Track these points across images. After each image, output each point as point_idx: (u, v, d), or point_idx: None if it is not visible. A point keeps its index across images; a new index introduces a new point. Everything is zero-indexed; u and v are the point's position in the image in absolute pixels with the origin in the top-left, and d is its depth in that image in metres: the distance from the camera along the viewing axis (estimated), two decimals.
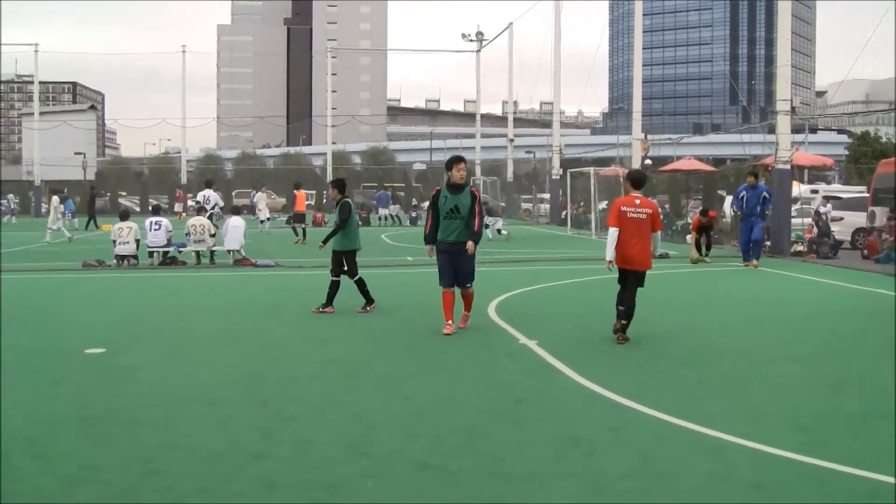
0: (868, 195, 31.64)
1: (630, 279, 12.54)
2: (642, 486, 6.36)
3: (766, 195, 24.05)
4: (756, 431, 7.62)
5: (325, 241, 15.43)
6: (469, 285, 13.35)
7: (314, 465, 6.81)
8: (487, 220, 41.84)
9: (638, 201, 12.58)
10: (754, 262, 23.48)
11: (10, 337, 12.69)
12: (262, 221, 43.23)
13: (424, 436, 7.63)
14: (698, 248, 25.45)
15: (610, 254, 12.43)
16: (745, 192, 24.13)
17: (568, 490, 6.28)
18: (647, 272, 12.71)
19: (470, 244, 13.00)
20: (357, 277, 15.46)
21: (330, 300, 15.23)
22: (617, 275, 12.74)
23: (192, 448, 7.27)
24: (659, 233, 12.99)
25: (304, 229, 36.53)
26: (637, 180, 12.99)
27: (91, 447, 7.33)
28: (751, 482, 6.40)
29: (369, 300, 15.40)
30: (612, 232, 12.44)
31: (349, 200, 15.59)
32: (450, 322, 12.96)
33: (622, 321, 12.43)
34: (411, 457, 7.03)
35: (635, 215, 12.45)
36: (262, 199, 44.71)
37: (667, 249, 27.45)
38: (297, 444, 7.36)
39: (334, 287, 15.32)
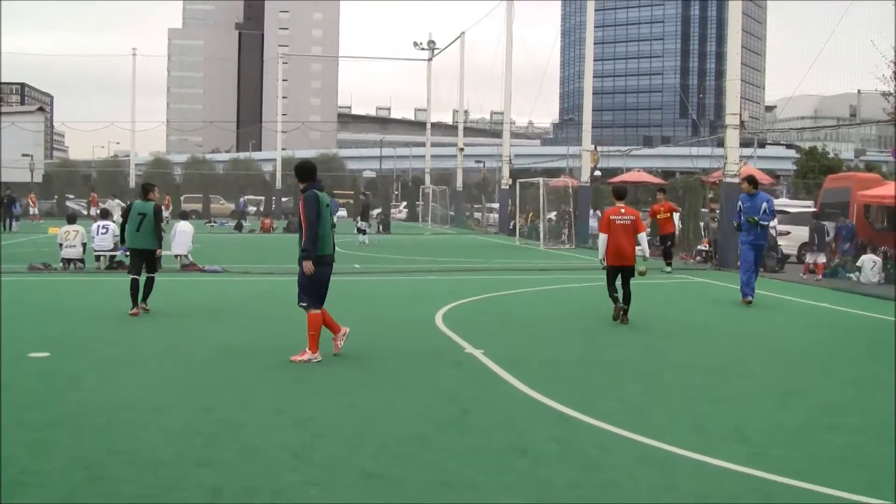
0: (815, 210, 32.03)
1: (624, 273, 15.35)
2: (587, 495, 6.38)
3: (767, 206, 18.85)
4: (701, 443, 7.68)
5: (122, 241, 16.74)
6: (301, 306, 11.64)
7: (259, 473, 6.76)
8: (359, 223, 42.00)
9: (623, 210, 15.51)
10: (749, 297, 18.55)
11: None
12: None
13: (369, 444, 7.60)
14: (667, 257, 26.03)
15: (601, 254, 15.49)
16: (741, 203, 19.19)
17: (512, 500, 6.28)
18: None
19: (306, 263, 11.36)
20: (151, 276, 16.00)
21: (134, 300, 15.61)
22: (605, 272, 15.56)
23: (135, 454, 7.19)
24: (643, 233, 15.80)
25: None
26: (619, 192, 16.16)
27: (32, 452, 7.22)
28: (696, 494, 6.44)
29: (144, 300, 15.82)
30: (602, 237, 15.44)
31: (138, 203, 16.10)
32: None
33: (624, 307, 15.17)
34: (356, 465, 7.00)
35: (622, 222, 15.35)
36: (115, 207, 45.39)
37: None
38: (242, 452, 7.30)
39: (135, 286, 15.70)
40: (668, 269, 26.15)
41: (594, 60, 44.16)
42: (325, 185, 11.72)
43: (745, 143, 39.84)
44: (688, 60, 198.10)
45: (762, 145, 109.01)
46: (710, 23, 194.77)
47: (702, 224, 33.08)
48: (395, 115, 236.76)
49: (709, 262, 29.17)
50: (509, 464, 7.11)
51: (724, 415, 8.89)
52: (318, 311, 11.54)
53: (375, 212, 68.87)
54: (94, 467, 6.83)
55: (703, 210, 33.62)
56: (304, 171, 11.51)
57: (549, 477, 6.78)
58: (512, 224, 49.06)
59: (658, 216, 27.34)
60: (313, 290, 11.53)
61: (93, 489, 6.35)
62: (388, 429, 8.13)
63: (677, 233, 33.41)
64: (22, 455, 7.14)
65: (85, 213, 65.16)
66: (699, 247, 31.17)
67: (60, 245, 24.29)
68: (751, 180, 19.43)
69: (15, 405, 8.82)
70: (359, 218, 42.67)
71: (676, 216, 33.24)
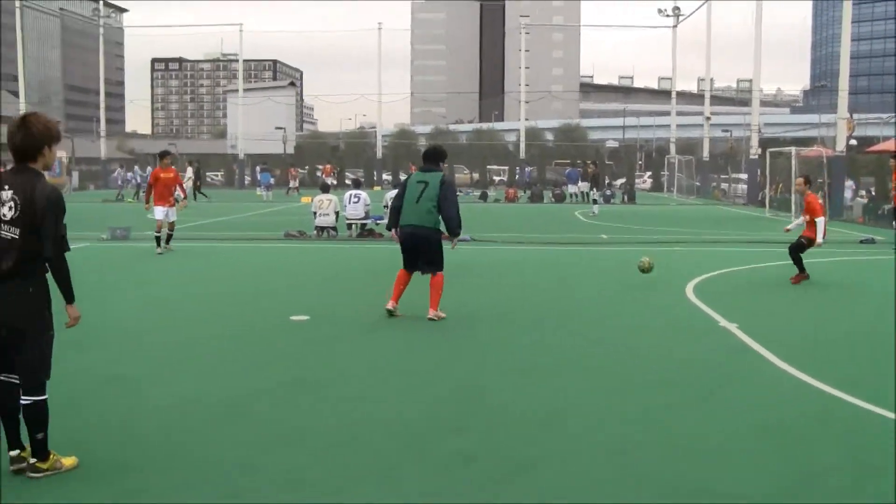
0: None
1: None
2: (851, 478, 6.10)
3: None
4: None
5: None
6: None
7: (510, 439, 6.83)
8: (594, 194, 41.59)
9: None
10: None
11: (224, 305, 13.31)
12: None
13: (619, 413, 7.55)
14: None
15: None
16: None
17: (772, 478, 6.07)
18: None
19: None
20: None
21: None
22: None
23: (387, 420, 7.39)
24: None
25: None
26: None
27: (298, 413, 7.53)
28: None
29: None
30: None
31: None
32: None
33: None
34: (607, 435, 6.96)
35: None
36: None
37: (873, 235, 26.41)
38: (501, 418, 7.38)
39: None
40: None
41: (851, 22, 42.17)
42: (440, 166, 12.47)
43: None
44: None
45: None
46: None
47: None
48: (637, 84, 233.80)
49: None
50: (772, 442, 6.88)
51: None
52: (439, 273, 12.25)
53: (619, 181, 68.33)
54: (352, 427, 7.05)
55: None
56: (424, 156, 12.69)
57: (809, 457, 6.53)
58: (761, 195, 47.67)
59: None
60: (407, 256, 12.39)
61: (347, 450, 6.55)
62: (641, 401, 8.03)
63: None
64: (288, 415, 7.44)
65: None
66: None
67: (314, 213, 25.23)
68: None
69: (280, 366, 9.24)
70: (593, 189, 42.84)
71: None
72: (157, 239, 20.44)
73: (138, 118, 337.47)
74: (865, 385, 8.60)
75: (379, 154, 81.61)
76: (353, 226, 25.48)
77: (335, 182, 63.79)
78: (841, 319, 12.83)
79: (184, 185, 41.96)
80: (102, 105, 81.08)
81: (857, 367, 9.59)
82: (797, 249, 16.29)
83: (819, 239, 16.09)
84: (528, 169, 75.71)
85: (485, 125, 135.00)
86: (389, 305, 12.16)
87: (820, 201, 16.87)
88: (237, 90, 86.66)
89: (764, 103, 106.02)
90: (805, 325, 12.31)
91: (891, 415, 7.56)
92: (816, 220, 16.15)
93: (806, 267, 15.96)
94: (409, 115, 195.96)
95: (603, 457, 6.51)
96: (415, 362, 9.60)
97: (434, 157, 12.52)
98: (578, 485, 5.93)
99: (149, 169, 45.66)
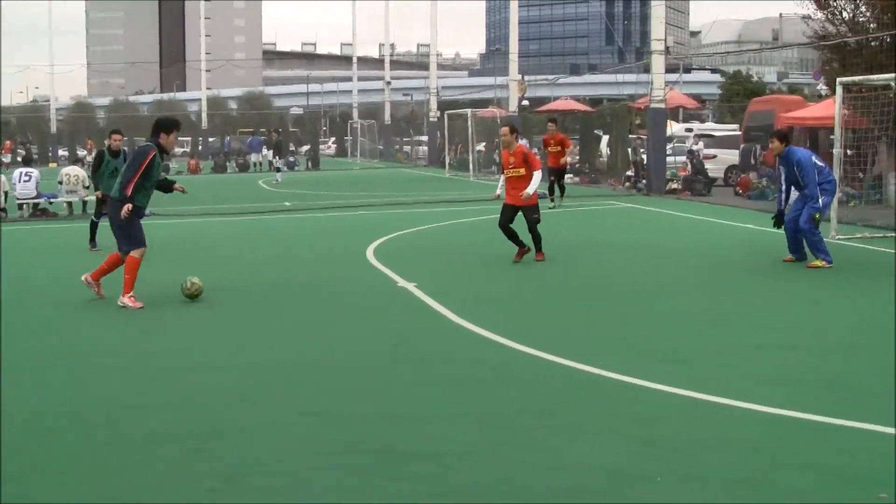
0: (740, 133, 32.35)
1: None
2: (530, 423, 6.40)
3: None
4: (635, 366, 7.73)
5: None
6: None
7: (202, 414, 6.76)
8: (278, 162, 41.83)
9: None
10: (817, 261, 13.44)
11: None
12: None
13: (306, 383, 7.59)
14: (552, 192, 24.37)
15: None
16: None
17: (457, 429, 6.31)
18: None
19: None
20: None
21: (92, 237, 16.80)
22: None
23: (82, 404, 7.12)
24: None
25: None
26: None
27: None
28: (636, 415, 6.53)
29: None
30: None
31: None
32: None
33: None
34: (295, 404, 6.99)
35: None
36: None
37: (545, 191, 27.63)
38: (186, 395, 7.28)
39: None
40: (552, 203, 23.89)
41: None
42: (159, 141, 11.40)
43: (670, 69, 39.99)
44: None
45: (687, 70, 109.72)
46: None
47: (629, 150, 33.19)
48: (320, 50, 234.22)
49: (636, 187, 29.30)
50: (454, 394, 7.16)
51: (658, 338, 8.98)
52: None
53: (304, 148, 68.40)
54: (43, 413, 6.77)
55: (631, 136, 33.74)
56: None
57: (489, 406, 6.82)
58: (441, 156, 48.98)
59: (549, 148, 25.60)
60: None
61: (38, 440, 6.29)
62: (327, 365, 8.14)
63: (605, 159, 33.48)
64: None
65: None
66: (627, 173, 31.31)
67: None
68: None
69: None
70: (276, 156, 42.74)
71: (605, 140, 33.15)
72: None
73: None
74: (536, 335, 9.05)
75: (53, 129, 77.84)
76: (25, 206, 24.18)
77: (8, 160, 60.34)
78: (509, 275, 13.37)
79: None
80: None
81: (525, 319, 10.06)
82: (534, 223, 14.44)
83: (530, 190, 14.14)
84: (227, 138, 74.08)
85: (166, 95, 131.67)
86: (83, 276, 11.46)
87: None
88: None
89: (443, 67, 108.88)
90: (477, 281, 12.79)
91: (556, 358, 7.99)
92: (535, 172, 14.30)
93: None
94: (87, 87, 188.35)
95: (294, 422, 6.55)
96: (117, 340, 9.34)
97: (153, 128, 11.63)
98: (275, 454, 5.89)
99: None
